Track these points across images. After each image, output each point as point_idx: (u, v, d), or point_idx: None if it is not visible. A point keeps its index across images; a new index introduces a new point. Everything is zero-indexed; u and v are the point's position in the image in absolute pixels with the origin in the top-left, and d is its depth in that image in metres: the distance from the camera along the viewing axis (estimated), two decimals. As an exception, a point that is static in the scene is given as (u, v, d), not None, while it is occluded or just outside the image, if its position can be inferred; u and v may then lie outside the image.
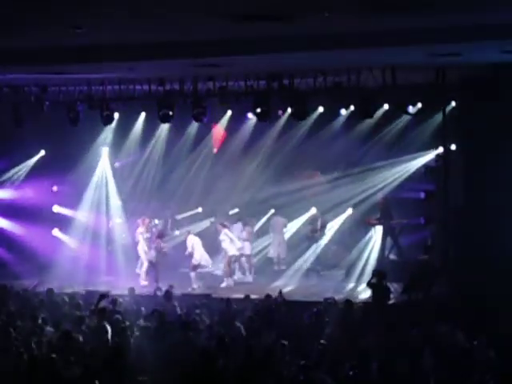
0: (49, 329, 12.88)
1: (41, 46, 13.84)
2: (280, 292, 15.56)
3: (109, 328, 12.51)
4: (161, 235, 19.78)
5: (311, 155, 21.52)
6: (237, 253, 19.66)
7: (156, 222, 21.14)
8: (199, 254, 18.96)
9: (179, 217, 21.52)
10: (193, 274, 18.95)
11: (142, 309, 14.41)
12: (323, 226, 20.55)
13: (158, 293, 16.33)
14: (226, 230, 19.51)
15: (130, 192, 22.33)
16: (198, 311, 13.97)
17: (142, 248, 19.92)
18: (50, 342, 11.93)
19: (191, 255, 19.06)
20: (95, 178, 22.03)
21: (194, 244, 19.11)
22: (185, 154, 22.31)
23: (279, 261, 20.97)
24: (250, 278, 19.96)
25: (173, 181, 22.52)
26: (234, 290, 18.17)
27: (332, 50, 13.72)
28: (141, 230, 20.10)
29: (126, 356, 10.68)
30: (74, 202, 21.68)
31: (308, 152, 21.37)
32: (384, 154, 20.00)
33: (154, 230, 20.52)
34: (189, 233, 19.57)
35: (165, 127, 21.42)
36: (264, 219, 21.52)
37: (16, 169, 21.59)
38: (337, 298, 15.98)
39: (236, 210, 21.58)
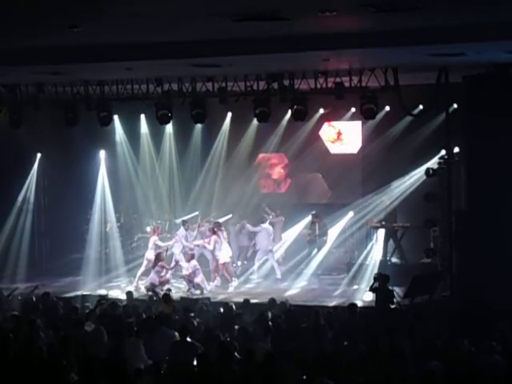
0: (46, 333, 12.72)
1: (37, 45, 13.68)
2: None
3: (104, 332, 12.37)
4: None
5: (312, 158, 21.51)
6: (229, 259, 19.50)
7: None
8: (200, 278, 18.70)
9: (178, 220, 21.33)
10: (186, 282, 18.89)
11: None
12: (321, 230, 20.34)
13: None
14: (216, 237, 19.30)
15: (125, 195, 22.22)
16: (192, 314, 13.81)
17: (149, 254, 19.60)
18: (47, 346, 11.72)
19: (190, 278, 18.76)
20: (99, 182, 21.88)
21: (196, 270, 18.79)
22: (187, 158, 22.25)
23: (283, 260, 20.85)
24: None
25: (172, 184, 22.48)
26: (236, 294, 17.98)
27: (334, 50, 13.61)
28: (154, 238, 19.76)
29: (124, 360, 10.50)
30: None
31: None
32: (386, 156, 19.87)
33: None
34: (192, 256, 19.08)
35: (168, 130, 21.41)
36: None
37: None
38: (339, 302, 15.84)
39: (229, 216, 21.41)
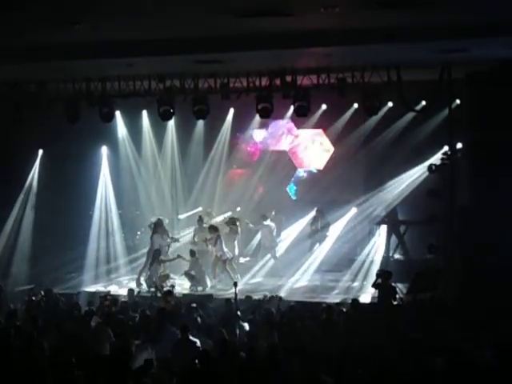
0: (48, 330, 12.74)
1: (39, 42, 13.65)
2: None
3: (107, 329, 12.39)
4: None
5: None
6: (231, 256, 19.51)
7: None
8: (202, 275, 18.68)
9: (181, 216, 21.29)
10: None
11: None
12: (324, 227, 20.31)
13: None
14: (218, 235, 19.26)
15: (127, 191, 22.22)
16: (194, 311, 13.82)
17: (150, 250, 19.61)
18: (49, 343, 11.73)
19: (191, 274, 18.74)
20: (101, 178, 21.87)
21: (197, 266, 18.83)
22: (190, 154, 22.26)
23: (286, 257, 20.78)
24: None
25: (175, 180, 22.48)
26: (238, 291, 17.94)
27: (337, 46, 13.57)
28: (155, 234, 19.71)
29: (128, 358, 10.51)
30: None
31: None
32: (389, 152, 19.84)
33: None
34: (194, 253, 19.11)
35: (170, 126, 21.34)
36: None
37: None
38: (341, 298, 15.80)
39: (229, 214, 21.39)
